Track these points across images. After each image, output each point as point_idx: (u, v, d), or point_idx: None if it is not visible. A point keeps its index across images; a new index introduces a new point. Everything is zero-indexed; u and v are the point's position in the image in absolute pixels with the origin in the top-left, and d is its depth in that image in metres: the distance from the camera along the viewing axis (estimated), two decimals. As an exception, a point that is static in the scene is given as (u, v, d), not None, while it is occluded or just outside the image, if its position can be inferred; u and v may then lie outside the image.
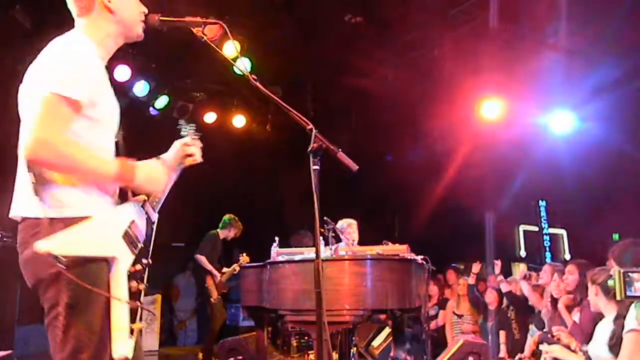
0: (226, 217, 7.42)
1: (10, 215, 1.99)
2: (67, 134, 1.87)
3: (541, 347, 3.97)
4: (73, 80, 1.87)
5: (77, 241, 1.82)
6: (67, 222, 1.84)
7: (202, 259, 7.06)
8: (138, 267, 1.96)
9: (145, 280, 1.99)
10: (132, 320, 1.89)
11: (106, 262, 1.88)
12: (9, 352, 4.69)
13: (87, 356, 1.83)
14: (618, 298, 2.60)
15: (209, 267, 7.07)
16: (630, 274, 2.46)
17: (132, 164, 1.99)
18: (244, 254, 7.10)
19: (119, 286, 1.88)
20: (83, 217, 1.87)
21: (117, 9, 2.10)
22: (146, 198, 2.16)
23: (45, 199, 1.88)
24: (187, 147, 2.39)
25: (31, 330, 5.35)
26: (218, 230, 7.35)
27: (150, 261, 2.05)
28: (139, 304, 1.92)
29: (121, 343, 1.83)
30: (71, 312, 1.84)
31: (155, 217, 2.22)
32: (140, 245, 2.01)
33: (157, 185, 2.10)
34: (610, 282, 2.71)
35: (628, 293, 2.48)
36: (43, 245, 1.74)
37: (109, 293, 1.86)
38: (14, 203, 1.98)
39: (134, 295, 1.91)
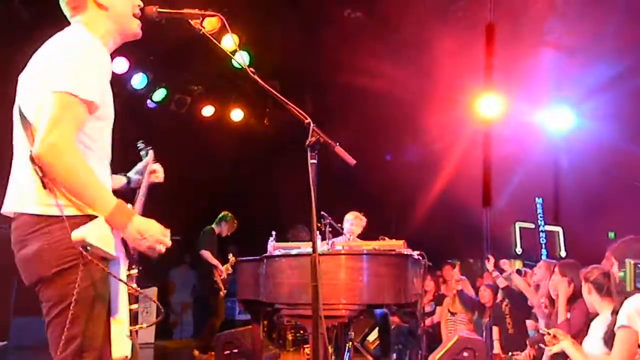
0: (223, 214, 7.44)
1: (4, 210, 1.96)
2: (78, 142, 1.85)
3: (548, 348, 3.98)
4: (87, 79, 1.86)
5: (101, 235, 1.82)
6: (74, 220, 1.82)
7: (207, 254, 7.07)
8: (133, 271, 1.98)
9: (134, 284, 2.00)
10: (130, 322, 1.89)
11: (107, 263, 1.86)
12: (4, 343, 4.70)
13: (91, 357, 1.81)
14: (628, 289, 2.63)
15: (215, 261, 7.08)
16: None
17: (130, 212, 1.92)
18: (231, 255, 7.16)
19: (122, 286, 1.89)
20: (89, 215, 1.85)
21: (109, 5, 2.07)
22: (130, 206, 2.13)
23: (51, 196, 1.84)
24: (151, 165, 2.55)
25: (27, 322, 5.35)
26: (213, 225, 7.36)
27: (137, 271, 2.03)
28: (136, 306, 1.94)
29: (121, 343, 1.83)
30: (74, 311, 1.81)
31: None
32: (132, 251, 2.00)
33: (144, 242, 1.93)
34: (621, 274, 2.73)
35: (638, 285, 2.52)
36: (79, 233, 1.74)
37: (111, 290, 1.87)
38: (10, 197, 1.95)
39: (131, 298, 1.93)
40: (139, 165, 2.59)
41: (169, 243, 2.01)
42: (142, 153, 2.67)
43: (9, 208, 1.94)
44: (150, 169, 2.55)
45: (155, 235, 1.93)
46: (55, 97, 1.81)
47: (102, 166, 2.02)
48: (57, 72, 1.85)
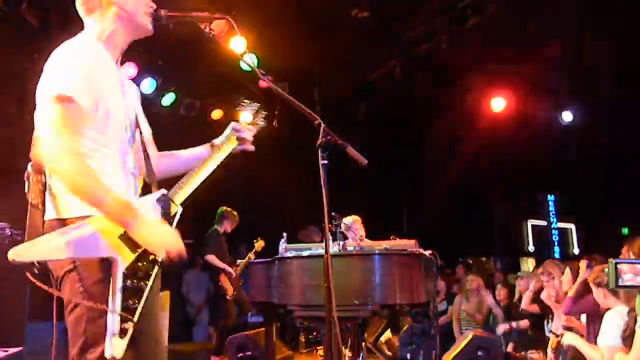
0: (220, 210, 7.37)
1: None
2: (78, 140, 1.86)
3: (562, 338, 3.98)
4: (72, 78, 1.87)
5: (56, 246, 1.77)
6: (68, 223, 1.85)
7: (213, 258, 6.99)
8: (139, 264, 1.90)
9: (151, 279, 1.93)
10: (126, 319, 1.83)
11: (107, 262, 1.84)
12: (20, 348, 4.72)
13: (94, 354, 1.81)
14: (610, 287, 2.70)
15: (221, 265, 7.02)
16: (619, 265, 2.56)
17: (134, 213, 1.87)
18: (259, 239, 7.05)
19: (115, 285, 1.83)
20: (83, 216, 1.85)
21: (119, 1, 2.08)
22: (165, 192, 2.10)
23: (55, 201, 1.90)
24: (238, 130, 2.40)
25: (41, 327, 5.38)
26: (216, 226, 7.31)
27: (159, 258, 1.96)
28: (134, 302, 1.85)
29: (111, 343, 1.79)
30: (77, 312, 1.85)
31: (176, 210, 2.12)
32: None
33: (155, 247, 1.90)
34: (605, 271, 2.80)
35: (618, 283, 2.59)
36: (9, 254, 1.71)
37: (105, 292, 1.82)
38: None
39: (131, 293, 1.86)
40: (229, 128, 2.41)
41: (182, 250, 1.96)
42: (245, 111, 2.47)
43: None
44: (234, 129, 2.37)
45: (169, 235, 1.93)
46: (49, 106, 1.85)
47: (115, 164, 2.00)
48: (49, 83, 1.89)
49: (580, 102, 8.51)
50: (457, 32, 7.09)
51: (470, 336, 5.16)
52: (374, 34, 7.25)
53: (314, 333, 7.96)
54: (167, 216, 2.07)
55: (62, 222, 1.86)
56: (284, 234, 5.09)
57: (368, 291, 3.84)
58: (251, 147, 2.46)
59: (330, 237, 4.66)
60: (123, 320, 1.81)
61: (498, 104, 8.43)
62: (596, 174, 8.94)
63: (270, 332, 5.41)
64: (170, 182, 2.20)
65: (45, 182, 1.92)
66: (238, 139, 2.42)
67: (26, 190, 1.92)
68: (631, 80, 7.41)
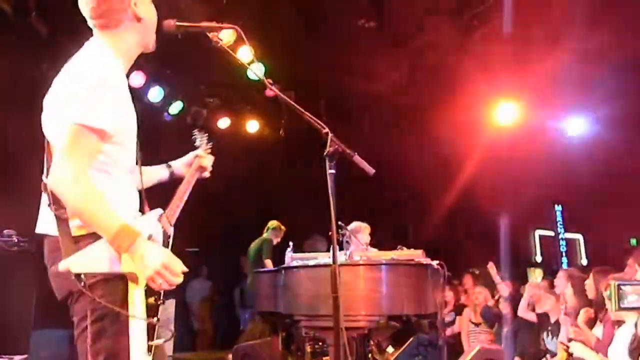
0: (273, 223, 7.47)
1: (37, 231, 1.97)
2: (91, 169, 1.82)
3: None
4: (97, 108, 1.81)
5: (96, 258, 1.77)
6: (89, 239, 1.81)
7: (270, 264, 7.09)
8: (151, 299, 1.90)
9: (162, 296, 1.93)
10: (150, 337, 1.84)
11: (124, 278, 1.82)
12: (25, 356, 4.72)
13: None
14: (613, 309, 2.65)
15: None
16: (622, 286, 2.51)
17: (133, 236, 1.77)
18: None
19: (137, 302, 1.83)
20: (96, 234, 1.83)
21: (144, 16, 2.04)
22: (162, 212, 2.10)
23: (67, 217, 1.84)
24: (201, 159, 2.42)
25: (46, 334, 5.38)
26: (270, 236, 7.39)
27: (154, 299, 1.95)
28: (156, 320, 1.87)
29: (138, 358, 1.78)
30: (99, 326, 1.81)
31: (171, 230, 2.15)
32: None
33: (144, 269, 1.78)
34: (607, 293, 2.75)
35: (621, 305, 2.54)
36: (63, 265, 1.72)
37: (128, 310, 1.80)
38: (40, 219, 1.96)
39: (151, 311, 1.87)
40: (190, 155, 2.43)
41: (173, 280, 1.80)
42: (197, 143, 2.46)
43: (38, 229, 1.96)
44: (197, 164, 2.38)
45: (155, 265, 1.77)
46: (68, 129, 1.79)
47: (124, 182, 1.99)
48: (70, 102, 1.82)
49: (588, 112, 8.48)
50: (463, 42, 7.09)
51: (477, 348, 5.12)
52: (380, 44, 7.25)
53: (320, 343, 7.92)
54: (166, 236, 2.08)
55: (84, 238, 1.82)
56: (290, 243, 5.08)
57: (375, 301, 3.83)
58: (207, 175, 2.48)
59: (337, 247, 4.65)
60: (149, 337, 1.82)
61: (505, 113, 8.41)
62: (604, 184, 8.88)
63: (276, 341, 5.38)
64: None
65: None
66: (201, 167, 2.44)
67: (48, 202, 1.85)
68: (638, 91, 7.38)
